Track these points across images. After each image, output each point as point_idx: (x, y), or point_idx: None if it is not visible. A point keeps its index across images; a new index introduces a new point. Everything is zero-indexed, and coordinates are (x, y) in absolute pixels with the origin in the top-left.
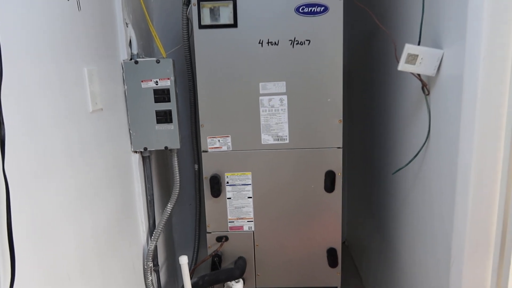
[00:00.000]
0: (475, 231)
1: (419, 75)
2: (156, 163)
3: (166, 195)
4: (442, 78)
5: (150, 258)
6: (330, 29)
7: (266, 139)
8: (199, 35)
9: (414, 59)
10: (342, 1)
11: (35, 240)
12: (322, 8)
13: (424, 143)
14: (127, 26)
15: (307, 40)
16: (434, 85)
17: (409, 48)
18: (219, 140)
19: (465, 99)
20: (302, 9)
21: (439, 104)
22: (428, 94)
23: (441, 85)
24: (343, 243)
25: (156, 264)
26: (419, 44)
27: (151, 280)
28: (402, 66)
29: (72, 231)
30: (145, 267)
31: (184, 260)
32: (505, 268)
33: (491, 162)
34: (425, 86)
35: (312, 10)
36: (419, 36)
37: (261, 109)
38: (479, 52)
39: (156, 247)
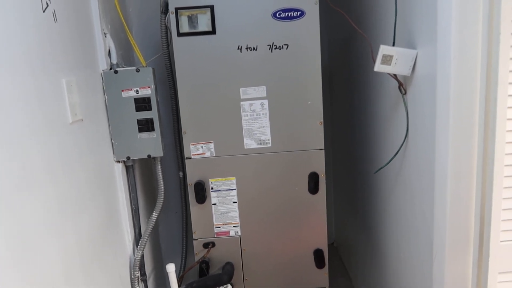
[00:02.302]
0: (454, 227)
1: (395, 75)
2: (140, 172)
3: (151, 203)
4: (417, 78)
5: (137, 267)
6: (307, 33)
7: (249, 143)
8: (178, 43)
9: (390, 59)
10: (318, 6)
11: (16, 253)
12: (298, 13)
13: (403, 142)
14: (105, 36)
15: (285, 44)
16: (410, 84)
17: (384, 49)
18: (202, 147)
19: (439, 97)
20: (279, 14)
21: (416, 103)
22: (405, 93)
23: (417, 85)
24: (332, 244)
25: (143, 274)
26: (393, 45)
27: None
28: (378, 67)
29: (55, 243)
30: (132, 277)
31: (171, 268)
32: (484, 261)
33: (467, 158)
34: (402, 85)
35: (289, 15)
36: (393, 37)
37: (242, 114)
38: (449, 52)
39: (142, 256)
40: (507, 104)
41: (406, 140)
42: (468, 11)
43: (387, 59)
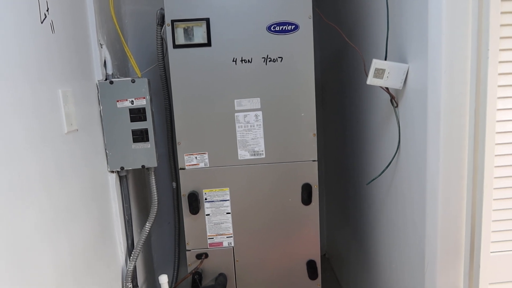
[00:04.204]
0: (445, 238)
1: (387, 88)
2: (134, 182)
3: (144, 214)
4: (409, 91)
5: (129, 279)
6: (301, 46)
7: (243, 154)
8: (173, 54)
9: (382, 73)
10: (312, 20)
11: (10, 264)
12: (292, 27)
13: (395, 154)
14: (101, 47)
15: (279, 57)
16: (401, 97)
17: (376, 63)
18: (196, 157)
19: (430, 110)
20: (273, 28)
21: (407, 116)
22: (397, 106)
23: (408, 98)
24: (323, 255)
25: (135, 285)
26: (385, 59)
27: None
28: (371, 80)
29: (48, 254)
30: None
31: (163, 279)
32: (475, 272)
33: (457, 170)
34: (394, 98)
35: (283, 29)
36: (385, 51)
37: (237, 125)
38: (440, 66)
39: (135, 267)
40: (496, 118)
41: (398, 152)
42: (458, 27)
43: (379, 73)
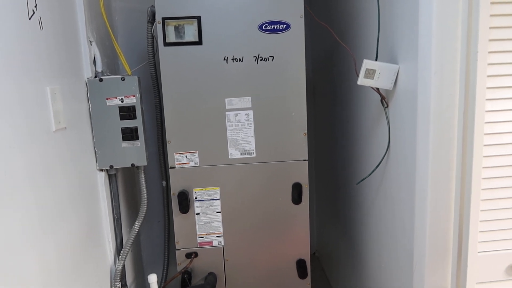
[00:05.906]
0: (434, 238)
1: (377, 88)
2: (123, 181)
3: (133, 213)
4: (399, 92)
5: (118, 278)
6: (292, 46)
7: (233, 153)
8: (164, 52)
9: (372, 73)
10: (303, 19)
11: None
12: (284, 26)
13: (385, 154)
14: (91, 44)
15: (270, 56)
16: (392, 98)
17: (367, 63)
18: (186, 156)
19: (420, 111)
20: (265, 27)
21: (397, 116)
22: (387, 106)
23: (398, 98)
24: (313, 254)
25: (124, 284)
26: (376, 59)
27: None
28: (361, 80)
29: (34, 254)
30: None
31: (153, 279)
32: (462, 272)
33: (446, 170)
34: (384, 99)
35: (275, 28)
36: (376, 52)
37: (227, 124)
38: (430, 67)
39: (124, 266)
40: (484, 119)
41: (387, 152)
42: (448, 29)
43: (370, 73)
